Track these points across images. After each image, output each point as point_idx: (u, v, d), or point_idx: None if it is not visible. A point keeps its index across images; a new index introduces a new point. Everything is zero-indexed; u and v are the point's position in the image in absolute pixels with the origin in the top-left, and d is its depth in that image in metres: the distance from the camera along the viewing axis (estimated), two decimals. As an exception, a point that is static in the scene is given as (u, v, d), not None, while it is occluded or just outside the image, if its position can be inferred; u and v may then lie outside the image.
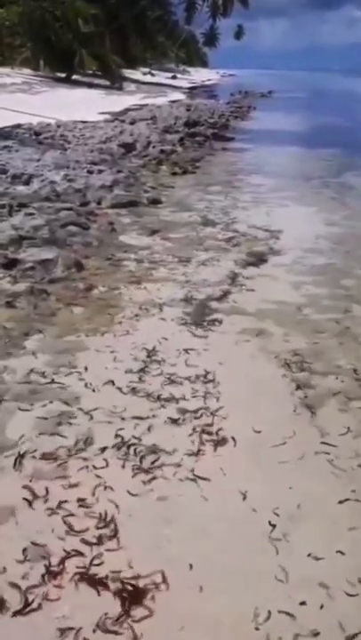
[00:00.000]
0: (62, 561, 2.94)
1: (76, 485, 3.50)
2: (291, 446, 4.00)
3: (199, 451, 3.88)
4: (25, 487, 3.47)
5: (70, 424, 4.11)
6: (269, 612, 2.69)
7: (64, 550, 3.00)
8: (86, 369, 4.84)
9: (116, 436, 3.98)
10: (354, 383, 4.88)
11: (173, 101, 35.74)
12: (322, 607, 2.74)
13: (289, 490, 3.57)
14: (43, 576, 2.84)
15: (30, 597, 2.72)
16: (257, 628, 2.62)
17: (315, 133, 24.34)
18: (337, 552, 3.06)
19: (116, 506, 3.33)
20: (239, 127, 25.71)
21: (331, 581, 2.87)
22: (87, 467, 3.67)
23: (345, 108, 36.33)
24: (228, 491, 3.54)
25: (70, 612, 2.67)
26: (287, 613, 2.68)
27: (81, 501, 3.36)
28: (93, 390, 4.56)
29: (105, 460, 3.74)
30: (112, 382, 4.67)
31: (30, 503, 3.34)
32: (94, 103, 28.75)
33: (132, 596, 2.76)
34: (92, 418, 4.19)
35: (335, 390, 4.75)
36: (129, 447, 3.87)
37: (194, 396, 4.53)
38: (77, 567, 2.91)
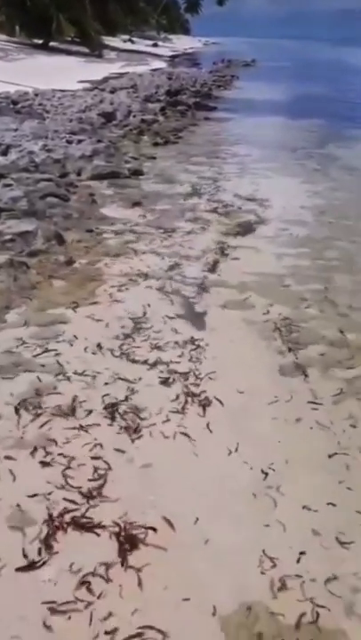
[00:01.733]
0: (61, 513, 3.09)
1: (67, 443, 3.64)
2: (280, 405, 4.21)
3: (185, 409, 4.06)
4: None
5: (56, 391, 4.19)
6: (273, 560, 2.89)
7: (62, 500, 3.17)
8: (70, 338, 4.91)
9: (105, 397, 4.12)
10: (335, 351, 5.00)
11: (155, 70, 35.13)
12: (319, 556, 2.95)
13: (278, 443, 3.80)
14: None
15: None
16: (263, 573, 2.84)
17: (299, 104, 24.17)
18: (329, 503, 3.29)
19: (106, 462, 3.49)
20: (222, 96, 25.42)
21: (325, 532, 3.09)
22: (77, 426, 3.81)
23: (331, 77, 36.04)
24: (219, 446, 3.72)
25: (70, 561, 2.81)
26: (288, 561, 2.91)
27: (72, 459, 3.50)
28: (78, 357, 4.64)
29: (94, 419, 3.89)
30: (96, 350, 4.77)
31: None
32: (73, 71, 28.13)
33: (129, 542, 2.93)
34: (79, 382, 4.31)
35: (318, 357, 4.89)
36: (116, 407, 4.03)
37: (181, 361, 4.69)
38: (74, 518, 3.07)
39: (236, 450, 3.72)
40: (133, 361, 4.66)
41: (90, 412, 3.99)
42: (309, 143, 15.21)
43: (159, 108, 18.69)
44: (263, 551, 2.95)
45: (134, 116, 16.45)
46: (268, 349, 5.03)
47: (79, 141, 12.24)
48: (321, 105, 23.22)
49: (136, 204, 8.94)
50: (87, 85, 23.10)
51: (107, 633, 2.50)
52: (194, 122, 18.11)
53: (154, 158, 12.47)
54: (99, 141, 12.58)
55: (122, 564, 2.84)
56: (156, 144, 14.07)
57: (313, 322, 5.52)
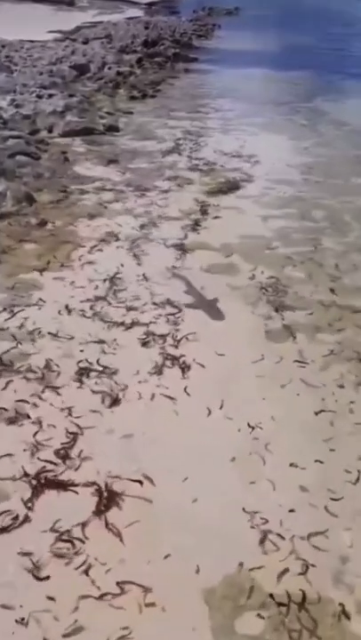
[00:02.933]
0: (38, 472, 3.19)
1: (40, 406, 3.69)
2: (265, 364, 4.30)
3: (162, 371, 4.12)
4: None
5: (33, 352, 4.22)
6: (263, 517, 3.01)
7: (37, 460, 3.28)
8: (42, 303, 4.87)
9: (80, 360, 4.15)
10: (322, 314, 4.96)
11: (130, 18, 33.99)
12: (307, 512, 3.09)
13: (263, 400, 3.91)
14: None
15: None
16: (252, 527, 2.97)
17: (285, 54, 23.62)
18: (317, 460, 3.42)
19: (78, 425, 3.55)
20: (203, 47, 24.78)
21: (313, 488, 3.23)
22: (51, 388, 3.86)
23: (319, 27, 35.31)
24: (202, 406, 3.81)
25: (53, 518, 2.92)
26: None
27: (50, 423, 3.56)
28: (51, 320, 4.63)
29: (67, 381, 3.95)
30: (69, 313, 4.75)
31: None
32: (43, 20, 27.17)
33: (109, 498, 3.04)
34: (52, 345, 4.33)
35: (305, 320, 4.86)
36: (90, 369, 4.07)
37: (160, 322, 4.71)
38: (51, 477, 3.16)
39: (221, 407, 3.80)
40: (109, 323, 4.66)
41: (61, 374, 4.01)
42: (296, 97, 14.91)
43: (136, 59, 18.15)
44: (253, 509, 3.06)
45: (109, 69, 15.96)
46: (254, 314, 4.96)
47: (50, 96, 11.87)
48: (308, 56, 22.73)
49: (112, 161, 8.71)
50: (58, 36, 22.35)
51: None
52: (173, 74, 17.65)
53: (131, 113, 12.15)
54: (71, 96, 12.20)
55: (106, 524, 2.93)
56: (132, 98, 13.70)
57: (300, 286, 5.45)
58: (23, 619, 2.46)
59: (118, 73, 15.65)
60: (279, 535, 2.93)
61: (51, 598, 2.55)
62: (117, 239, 6.15)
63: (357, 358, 4.43)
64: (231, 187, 7.98)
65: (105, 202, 7.14)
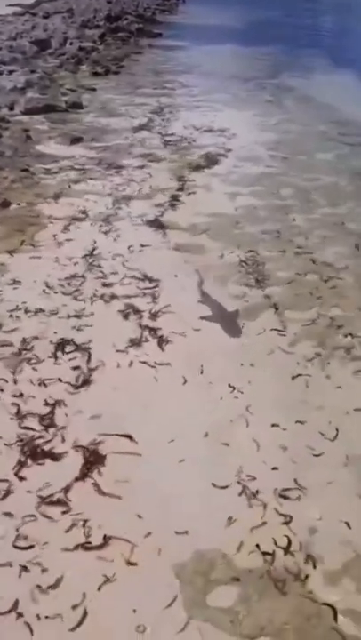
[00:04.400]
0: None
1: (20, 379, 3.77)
2: (244, 333, 4.44)
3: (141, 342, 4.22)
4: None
5: (12, 329, 4.26)
6: (250, 475, 3.14)
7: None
8: (12, 283, 4.85)
9: (55, 334, 4.22)
10: (291, 293, 5.01)
11: (93, -9, 33.33)
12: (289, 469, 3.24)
13: (242, 367, 4.04)
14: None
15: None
16: (239, 482, 3.11)
17: (251, 29, 23.42)
18: (297, 421, 3.57)
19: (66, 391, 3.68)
20: (168, 22, 24.44)
21: (294, 447, 3.37)
22: (29, 362, 3.93)
23: (285, 1, 35.05)
24: (182, 371, 3.92)
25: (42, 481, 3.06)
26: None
27: (31, 396, 3.63)
28: (32, 297, 4.63)
29: (46, 354, 4.02)
30: (42, 291, 4.76)
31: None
32: (1, -8, 26.39)
33: (94, 459, 3.17)
34: (32, 319, 4.39)
35: (272, 302, 4.87)
36: (67, 342, 4.14)
37: (137, 296, 4.78)
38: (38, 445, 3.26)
39: (202, 372, 3.91)
40: (87, 298, 4.70)
41: (45, 347, 4.08)
42: (262, 73, 14.83)
43: (98, 34, 17.81)
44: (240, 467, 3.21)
45: (71, 44, 15.64)
46: (222, 293, 4.97)
47: (10, 72, 11.62)
48: (275, 31, 22.57)
49: (76, 139, 8.56)
50: (18, 9, 21.73)
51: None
52: (137, 50, 17.38)
53: (94, 90, 11.94)
54: (32, 72, 11.94)
55: (94, 484, 3.06)
56: (95, 74, 13.45)
57: (269, 264, 5.46)
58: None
59: (80, 48, 15.35)
60: (263, 491, 3.06)
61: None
62: (87, 218, 6.10)
63: (335, 326, 4.56)
64: (198, 165, 7.93)
65: (71, 181, 7.03)
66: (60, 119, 9.59)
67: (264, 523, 2.90)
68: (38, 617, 2.43)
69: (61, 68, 13.52)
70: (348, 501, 3.08)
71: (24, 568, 2.62)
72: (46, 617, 2.43)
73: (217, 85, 13.00)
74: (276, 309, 4.75)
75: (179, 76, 13.83)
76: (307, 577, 2.65)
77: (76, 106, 10.39)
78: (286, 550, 2.75)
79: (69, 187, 6.86)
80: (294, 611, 2.51)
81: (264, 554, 2.73)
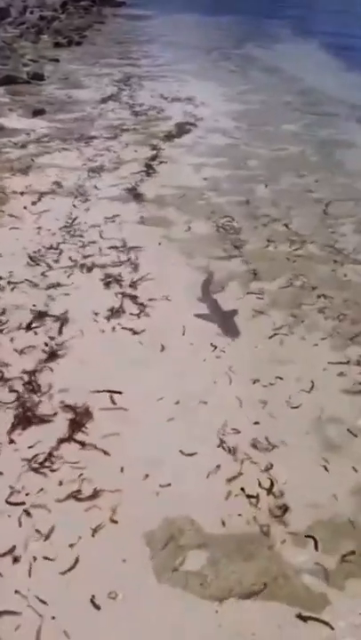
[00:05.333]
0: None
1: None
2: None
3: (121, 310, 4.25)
4: None
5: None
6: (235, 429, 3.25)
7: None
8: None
9: (34, 306, 4.19)
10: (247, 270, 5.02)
11: None
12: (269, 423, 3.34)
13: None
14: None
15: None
16: (224, 435, 3.23)
17: (215, -2, 23.08)
18: (277, 377, 3.67)
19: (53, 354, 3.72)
20: (131, -10, 23.87)
21: (274, 402, 3.48)
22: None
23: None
24: (162, 336, 3.96)
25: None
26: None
27: (10, 364, 3.63)
28: (6, 273, 4.57)
29: (28, 323, 4.01)
30: (24, 260, 4.73)
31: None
32: None
33: (81, 418, 3.24)
34: (12, 290, 4.37)
35: (246, 269, 4.88)
36: (46, 313, 4.13)
37: (117, 265, 4.77)
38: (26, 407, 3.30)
39: (184, 334, 3.99)
40: (66, 267, 4.68)
41: (27, 315, 4.08)
42: (226, 43, 14.66)
43: (60, 3, 17.34)
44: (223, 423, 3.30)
45: (31, 13, 15.22)
46: (189, 265, 4.94)
47: (-32, 42, 11.20)
48: (239, 1, 22.25)
49: (39, 112, 8.35)
50: (-26, -24, 20.92)
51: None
52: (100, 19, 16.97)
53: (56, 60, 11.64)
54: (-9, 41, 11.56)
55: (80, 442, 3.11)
56: (57, 44, 13.10)
57: (237, 235, 5.44)
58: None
59: (41, 17, 14.93)
60: (246, 444, 3.17)
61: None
62: (60, 190, 6.03)
63: (309, 288, 4.64)
64: (163, 136, 7.84)
65: (34, 154, 6.87)
66: (21, 91, 9.35)
67: (240, 473, 3.00)
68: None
69: (22, 37, 13.16)
70: (323, 451, 3.19)
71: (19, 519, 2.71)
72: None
73: (182, 55, 12.81)
74: (254, 275, 4.78)
75: (143, 46, 13.58)
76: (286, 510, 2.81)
77: (38, 77, 10.13)
78: (269, 491, 2.89)
79: (33, 161, 6.70)
80: (262, 572, 2.55)
81: (248, 497, 2.85)
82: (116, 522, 2.72)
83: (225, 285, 4.66)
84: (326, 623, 2.38)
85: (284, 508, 2.83)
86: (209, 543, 2.66)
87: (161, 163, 6.99)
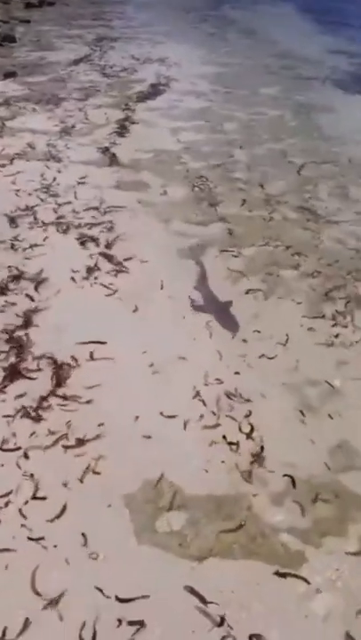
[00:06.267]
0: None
1: None
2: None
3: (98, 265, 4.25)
4: None
5: None
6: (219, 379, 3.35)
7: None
8: None
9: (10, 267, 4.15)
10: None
11: None
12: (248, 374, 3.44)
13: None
14: None
15: None
16: (206, 384, 3.31)
17: None
18: (255, 331, 3.76)
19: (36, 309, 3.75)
20: None
21: (252, 354, 3.56)
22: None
23: None
24: (141, 289, 4.01)
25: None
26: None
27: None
28: None
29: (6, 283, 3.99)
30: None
31: None
32: None
33: (63, 370, 3.29)
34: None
35: (212, 237, 4.81)
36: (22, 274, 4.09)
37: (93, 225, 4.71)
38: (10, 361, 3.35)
39: (162, 288, 4.03)
40: (43, 227, 4.64)
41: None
42: (203, 4, 14.30)
43: None
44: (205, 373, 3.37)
45: (1, -29, 14.56)
46: (166, 230, 4.87)
47: None
48: None
49: (10, 74, 8.07)
50: None
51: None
52: (72, -21, 16.37)
53: (28, 22, 11.25)
54: None
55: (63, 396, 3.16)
56: (29, 5, 12.65)
57: (215, 199, 5.36)
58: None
59: (11, -24, 14.33)
60: (225, 394, 3.26)
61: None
62: (33, 152, 5.88)
63: (284, 246, 4.66)
64: (140, 98, 7.65)
65: (5, 118, 6.66)
66: (-9, 53, 9.03)
67: (218, 424, 3.06)
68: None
69: (-9, -3, 12.65)
70: (299, 401, 3.28)
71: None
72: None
73: (157, 17, 12.47)
74: (230, 237, 4.76)
75: (117, 7, 13.19)
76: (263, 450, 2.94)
77: (9, 39, 9.78)
78: (248, 436, 3.00)
79: (8, 123, 6.50)
80: (241, 531, 2.57)
81: (230, 444, 2.94)
82: (98, 473, 2.75)
83: (203, 249, 4.60)
84: (304, 579, 2.42)
85: (261, 449, 2.94)
86: (189, 504, 2.67)
87: (133, 124, 6.84)
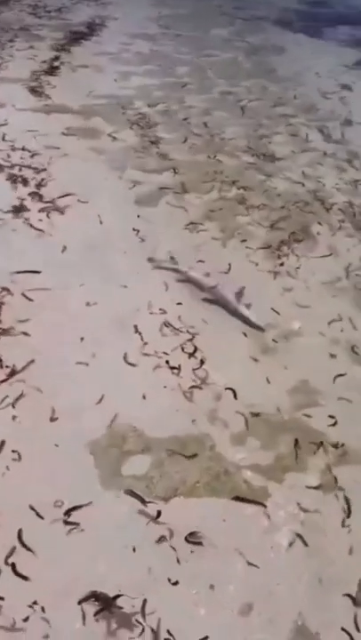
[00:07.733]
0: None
1: None
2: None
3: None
4: None
5: None
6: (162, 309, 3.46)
7: None
8: None
9: None
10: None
11: None
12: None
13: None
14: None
15: None
16: (151, 313, 3.42)
17: None
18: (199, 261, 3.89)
19: None
20: None
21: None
22: None
23: None
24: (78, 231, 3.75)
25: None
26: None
27: None
28: None
29: None
30: None
31: None
32: None
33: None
34: None
35: (165, 186, 4.73)
36: None
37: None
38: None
39: (101, 223, 4.08)
40: None
41: None
42: None
43: None
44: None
45: None
46: (122, 179, 4.73)
47: None
48: None
49: None
50: None
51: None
52: None
53: None
54: None
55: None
56: None
57: (167, 146, 5.23)
58: None
59: None
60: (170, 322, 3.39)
61: None
62: None
63: (237, 186, 4.74)
64: (83, 38, 7.33)
65: None
66: None
67: (165, 353, 3.17)
68: None
69: None
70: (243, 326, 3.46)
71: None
72: None
73: None
74: (183, 187, 4.68)
75: None
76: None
77: None
78: (191, 355, 3.16)
79: None
80: (204, 471, 2.60)
81: (172, 368, 3.06)
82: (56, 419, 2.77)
83: (157, 198, 4.52)
84: (262, 504, 2.51)
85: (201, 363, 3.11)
86: (152, 446, 2.68)
87: (84, 66, 6.57)
